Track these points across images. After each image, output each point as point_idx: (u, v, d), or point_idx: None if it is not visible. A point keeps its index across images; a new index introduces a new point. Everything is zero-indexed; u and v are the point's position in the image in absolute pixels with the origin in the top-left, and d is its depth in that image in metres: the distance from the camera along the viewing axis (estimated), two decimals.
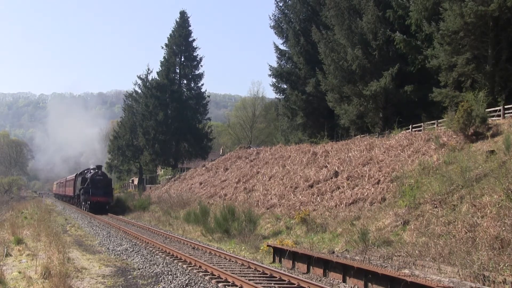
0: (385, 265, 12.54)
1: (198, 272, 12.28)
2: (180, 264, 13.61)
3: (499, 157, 15.70)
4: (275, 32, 44.51)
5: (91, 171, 42.56)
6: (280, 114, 46.44)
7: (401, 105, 30.90)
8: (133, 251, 16.42)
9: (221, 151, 58.92)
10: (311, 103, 39.30)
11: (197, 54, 56.85)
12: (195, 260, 13.58)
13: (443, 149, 19.35)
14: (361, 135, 30.69)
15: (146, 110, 55.13)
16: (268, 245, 16.14)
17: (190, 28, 57.15)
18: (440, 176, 16.46)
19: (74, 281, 10.92)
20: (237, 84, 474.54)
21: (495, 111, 21.60)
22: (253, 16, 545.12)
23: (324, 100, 35.98)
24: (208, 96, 58.53)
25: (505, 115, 21.17)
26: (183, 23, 56.60)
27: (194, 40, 56.98)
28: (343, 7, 33.05)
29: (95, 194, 39.18)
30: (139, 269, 12.94)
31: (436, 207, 14.83)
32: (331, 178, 22.89)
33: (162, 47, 57.09)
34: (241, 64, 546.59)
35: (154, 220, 31.14)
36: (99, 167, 43.01)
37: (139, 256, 15.15)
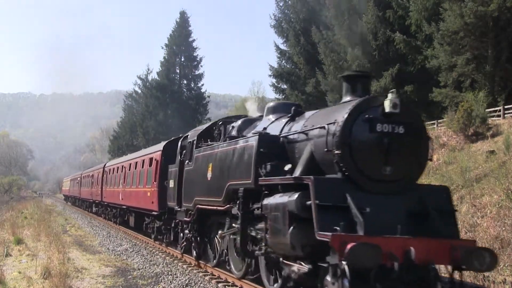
0: None
1: (198, 272, 12.27)
2: (180, 264, 13.60)
3: (499, 157, 15.70)
4: (275, 32, 44.41)
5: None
6: None
7: None
8: (133, 251, 16.42)
9: None
10: (311, 103, 39.28)
11: (197, 54, 56.76)
12: (195, 260, 13.57)
13: (443, 149, 19.36)
14: None
15: (146, 110, 55.11)
16: None
17: (190, 28, 57.06)
18: (440, 176, 16.46)
19: (74, 281, 10.91)
20: (237, 84, 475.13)
21: (495, 111, 21.62)
22: (253, 16, 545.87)
23: (324, 100, 35.97)
24: (208, 96, 58.48)
25: (505, 115, 21.18)
26: (183, 23, 56.54)
27: (194, 40, 56.91)
28: (343, 7, 33.05)
29: None
30: (139, 269, 12.94)
31: None
32: None
33: (162, 47, 57.03)
34: (241, 64, 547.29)
35: None
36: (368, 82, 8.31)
37: (139, 256, 15.15)
